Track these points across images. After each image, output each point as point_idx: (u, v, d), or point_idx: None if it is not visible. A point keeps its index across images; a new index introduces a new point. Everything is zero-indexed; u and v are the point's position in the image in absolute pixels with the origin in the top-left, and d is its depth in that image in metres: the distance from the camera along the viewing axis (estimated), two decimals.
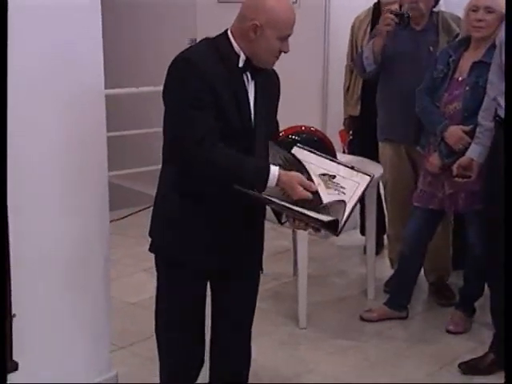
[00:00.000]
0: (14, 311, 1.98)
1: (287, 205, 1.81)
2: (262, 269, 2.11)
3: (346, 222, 1.83)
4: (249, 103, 1.91)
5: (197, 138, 1.82)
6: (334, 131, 3.63)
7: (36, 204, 2.06)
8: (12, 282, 1.96)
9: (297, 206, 1.82)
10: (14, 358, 2.00)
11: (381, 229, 3.56)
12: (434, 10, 3.13)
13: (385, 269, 3.45)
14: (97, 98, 2.17)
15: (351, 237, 3.98)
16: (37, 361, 2.12)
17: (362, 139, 3.53)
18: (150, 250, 1.99)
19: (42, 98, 2.01)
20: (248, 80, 1.92)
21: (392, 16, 2.98)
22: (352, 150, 3.55)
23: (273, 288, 3.33)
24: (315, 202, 1.83)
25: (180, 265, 1.95)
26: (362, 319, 3.06)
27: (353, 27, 3.52)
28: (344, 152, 3.57)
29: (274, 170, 1.84)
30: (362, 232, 3.67)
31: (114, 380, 2.41)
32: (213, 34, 1.90)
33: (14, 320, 1.99)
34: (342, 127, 3.70)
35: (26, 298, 2.05)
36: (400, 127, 3.10)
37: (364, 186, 1.87)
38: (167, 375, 2.11)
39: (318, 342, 2.89)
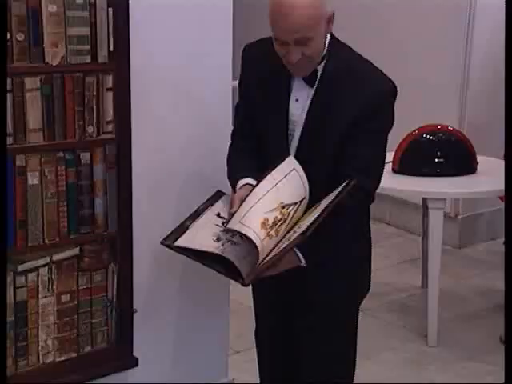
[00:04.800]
0: (135, 306, 2.07)
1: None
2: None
3: (260, 264, 1.59)
4: (287, 111, 1.75)
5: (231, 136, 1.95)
6: (471, 132, 3.50)
7: (159, 204, 2.14)
8: (134, 280, 2.04)
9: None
10: (134, 353, 2.09)
11: None
12: None
13: None
14: (223, 89, 2.22)
15: (490, 248, 3.81)
16: (155, 358, 2.21)
17: None
18: None
19: (171, 90, 2.09)
20: (292, 83, 1.74)
21: None
22: None
23: (399, 300, 3.26)
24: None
25: None
26: (503, 341, 2.92)
27: None
28: None
29: (242, 182, 1.75)
30: None
31: None
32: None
33: (135, 316, 2.07)
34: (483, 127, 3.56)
35: (148, 296, 2.15)
36: None
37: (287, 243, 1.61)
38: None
39: (450, 363, 2.80)
